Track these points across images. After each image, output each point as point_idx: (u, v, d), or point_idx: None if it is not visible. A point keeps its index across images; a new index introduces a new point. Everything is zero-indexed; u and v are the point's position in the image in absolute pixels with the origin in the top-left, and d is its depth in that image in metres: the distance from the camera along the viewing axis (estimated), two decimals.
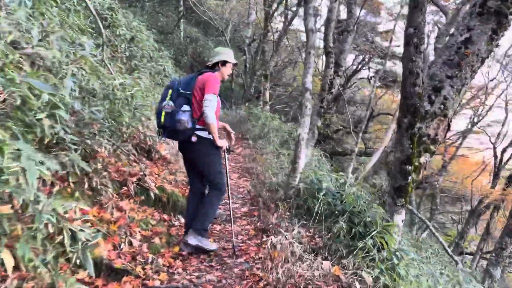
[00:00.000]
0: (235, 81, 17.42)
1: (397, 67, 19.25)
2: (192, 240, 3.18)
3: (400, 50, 18.48)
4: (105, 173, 3.33)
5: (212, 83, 3.13)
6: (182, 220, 3.86)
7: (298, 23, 20.98)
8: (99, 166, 3.15)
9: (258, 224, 3.75)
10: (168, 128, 3.13)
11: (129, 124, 4.35)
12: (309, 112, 4.12)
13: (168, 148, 5.06)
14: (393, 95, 21.04)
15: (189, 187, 3.51)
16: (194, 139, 3.16)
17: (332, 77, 6.55)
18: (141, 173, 3.82)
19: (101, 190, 3.21)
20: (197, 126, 3.16)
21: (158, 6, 17.78)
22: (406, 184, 3.49)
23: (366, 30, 17.09)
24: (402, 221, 3.61)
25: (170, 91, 3.18)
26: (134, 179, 3.68)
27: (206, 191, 3.39)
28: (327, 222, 3.62)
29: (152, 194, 3.73)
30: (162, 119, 3.13)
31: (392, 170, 3.58)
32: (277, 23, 17.77)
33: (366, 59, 20.14)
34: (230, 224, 3.86)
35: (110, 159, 3.49)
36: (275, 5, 14.45)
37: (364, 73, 21.29)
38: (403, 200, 3.52)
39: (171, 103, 3.13)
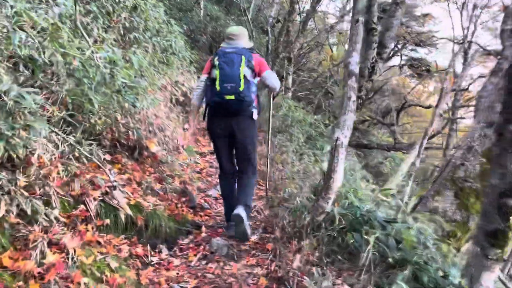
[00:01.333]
0: None
1: (433, 56, 17.52)
2: (243, 212, 2.85)
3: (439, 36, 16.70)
4: (46, 188, 2.23)
5: (266, 64, 3.08)
6: (164, 254, 2.74)
7: (326, 4, 19.43)
8: (23, 180, 2.03)
9: (273, 267, 2.58)
10: (245, 97, 2.81)
11: (104, 113, 3.24)
12: (353, 106, 2.90)
13: (161, 143, 3.92)
14: (424, 86, 19.47)
15: (221, 173, 3.26)
16: (255, 116, 3.02)
17: (374, 60, 5.23)
18: (110, 184, 2.70)
19: (36, 214, 2.11)
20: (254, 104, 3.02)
21: None
22: (506, 227, 2.24)
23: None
24: (495, 282, 2.37)
25: (243, 58, 2.83)
26: (98, 193, 2.56)
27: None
28: (375, 274, 2.42)
29: (122, 216, 2.62)
30: (242, 86, 2.78)
31: (485, 205, 2.32)
32: (303, 4, 16.26)
33: (399, 46, 18.47)
34: (231, 261, 2.72)
35: (56, 166, 2.36)
36: None
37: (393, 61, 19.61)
38: (500, 251, 2.28)
39: (249, 71, 2.86)
